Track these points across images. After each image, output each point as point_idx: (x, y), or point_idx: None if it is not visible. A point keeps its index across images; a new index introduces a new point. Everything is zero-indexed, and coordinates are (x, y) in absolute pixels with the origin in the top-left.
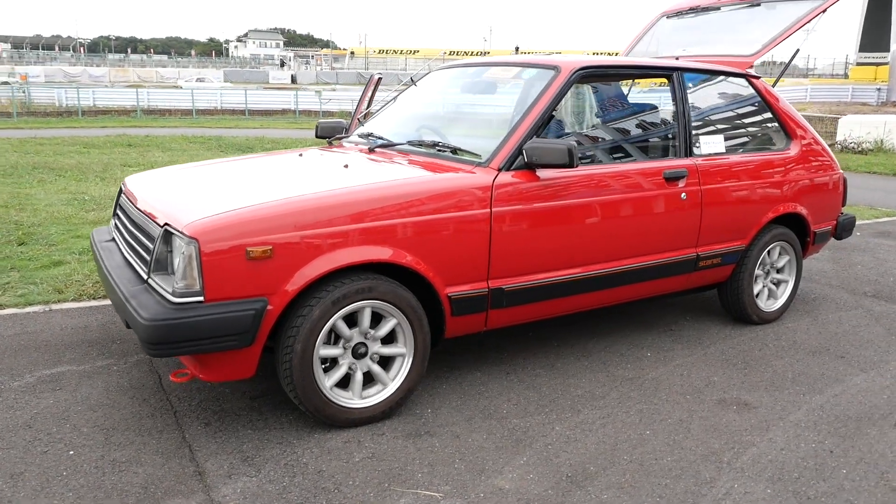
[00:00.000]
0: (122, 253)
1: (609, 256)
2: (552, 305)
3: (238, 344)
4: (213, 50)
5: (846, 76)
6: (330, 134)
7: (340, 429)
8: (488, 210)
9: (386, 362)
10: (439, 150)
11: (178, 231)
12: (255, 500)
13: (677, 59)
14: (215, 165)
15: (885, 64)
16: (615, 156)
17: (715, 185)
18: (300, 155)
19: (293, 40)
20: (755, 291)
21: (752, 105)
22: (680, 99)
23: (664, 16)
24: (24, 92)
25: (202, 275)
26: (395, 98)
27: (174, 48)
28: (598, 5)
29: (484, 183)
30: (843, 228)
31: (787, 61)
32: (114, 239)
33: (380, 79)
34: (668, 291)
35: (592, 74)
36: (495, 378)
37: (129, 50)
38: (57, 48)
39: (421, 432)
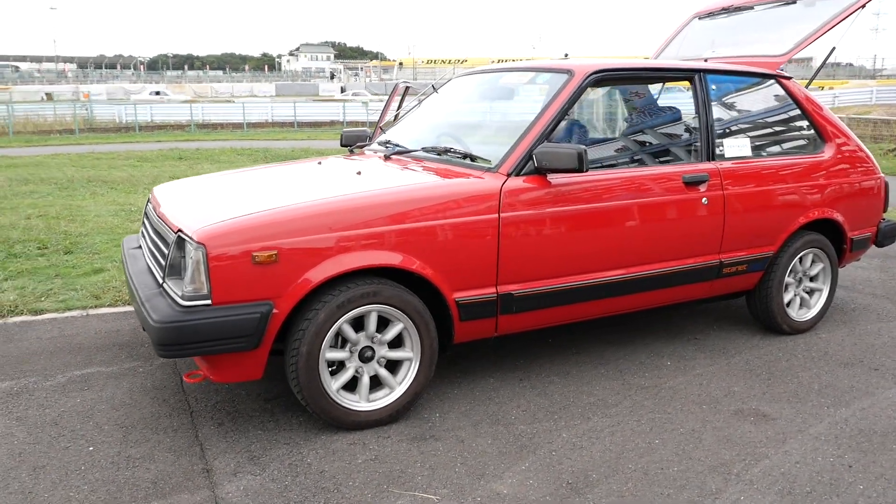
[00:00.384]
0: (145, 259)
1: (624, 262)
2: (565, 311)
3: (245, 346)
4: (265, 64)
5: None
6: (353, 142)
7: (347, 431)
8: (496, 215)
9: (393, 366)
10: (452, 156)
11: (189, 237)
12: (256, 497)
13: (706, 60)
14: (238, 174)
15: None
16: (633, 160)
17: (739, 190)
18: (319, 163)
19: (343, 53)
20: (786, 300)
21: (782, 107)
22: (702, 101)
23: (696, 17)
24: (86, 109)
25: (209, 279)
26: (417, 105)
27: (229, 63)
28: (648, 10)
29: (492, 188)
30: (885, 235)
31: (822, 60)
32: (140, 246)
33: (407, 87)
34: (690, 299)
35: (608, 78)
36: (508, 384)
37: (185, 67)
38: (119, 67)
39: (426, 436)
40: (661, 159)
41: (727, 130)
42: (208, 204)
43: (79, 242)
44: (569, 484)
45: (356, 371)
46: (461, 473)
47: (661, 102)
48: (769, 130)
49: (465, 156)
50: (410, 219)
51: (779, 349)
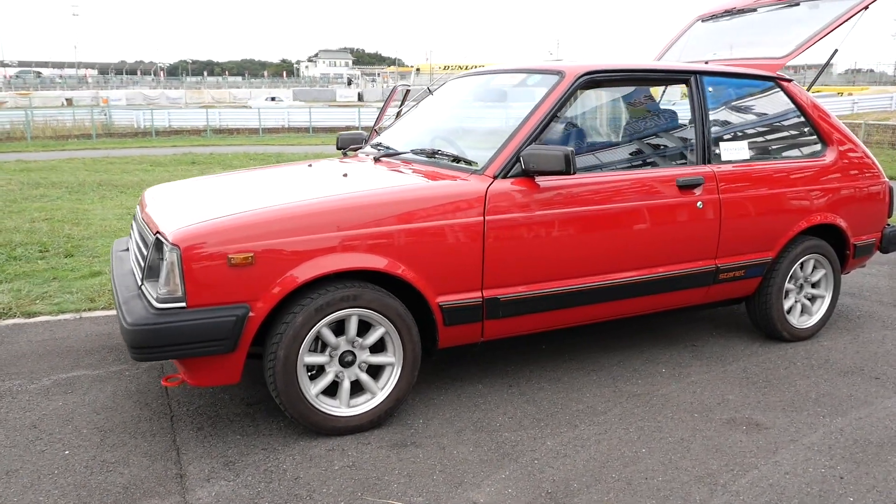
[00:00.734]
0: (131, 261)
1: (615, 267)
2: (553, 317)
3: (220, 349)
4: (284, 70)
5: None
6: (348, 145)
7: (327, 437)
8: (481, 218)
9: (375, 371)
10: (440, 159)
11: (165, 238)
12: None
13: (706, 63)
14: (229, 177)
15: None
16: (626, 163)
17: (735, 194)
18: (309, 165)
19: (362, 59)
20: (786, 307)
21: (782, 110)
22: (698, 104)
23: (699, 20)
24: (105, 114)
25: (184, 281)
26: (413, 108)
27: (248, 69)
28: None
29: (477, 190)
30: (890, 241)
31: (823, 63)
32: (128, 248)
33: (407, 91)
34: (685, 304)
35: (601, 80)
36: (496, 390)
37: (205, 73)
38: (139, 72)
39: (407, 443)
40: (656, 162)
41: (723, 133)
42: (190, 206)
43: (80, 245)
44: (548, 493)
45: (336, 376)
46: (438, 481)
47: (661, 105)
48: (768, 133)
49: (454, 158)
50: (392, 221)
51: (778, 357)
